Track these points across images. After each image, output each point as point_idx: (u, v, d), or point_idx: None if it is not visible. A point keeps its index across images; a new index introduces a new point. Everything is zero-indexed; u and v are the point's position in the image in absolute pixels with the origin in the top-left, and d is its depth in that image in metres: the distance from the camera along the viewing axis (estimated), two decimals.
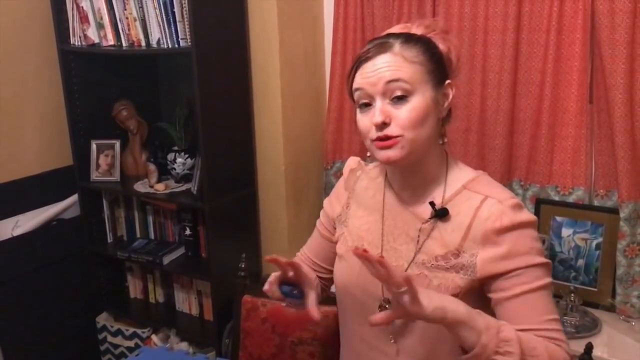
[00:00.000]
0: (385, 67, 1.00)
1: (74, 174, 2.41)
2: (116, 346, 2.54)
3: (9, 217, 2.23)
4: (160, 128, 2.37)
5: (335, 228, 1.26)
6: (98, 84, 2.43)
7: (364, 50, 1.04)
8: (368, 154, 1.08)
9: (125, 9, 2.13)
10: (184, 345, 2.34)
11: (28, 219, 2.29)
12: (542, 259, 1.01)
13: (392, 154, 1.01)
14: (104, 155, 2.43)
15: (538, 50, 1.87)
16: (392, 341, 1.10)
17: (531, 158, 1.96)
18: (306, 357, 1.56)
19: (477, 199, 1.04)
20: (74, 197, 2.44)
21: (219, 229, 2.16)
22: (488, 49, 1.95)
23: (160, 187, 2.29)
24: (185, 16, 2.00)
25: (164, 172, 2.36)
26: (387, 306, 1.08)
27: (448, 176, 1.09)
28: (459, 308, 0.90)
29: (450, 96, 1.06)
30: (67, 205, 2.42)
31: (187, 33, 2.01)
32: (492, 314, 1.00)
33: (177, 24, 2.03)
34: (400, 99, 1.00)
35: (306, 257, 1.34)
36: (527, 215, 1.02)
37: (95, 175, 2.43)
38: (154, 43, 2.10)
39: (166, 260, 2.31)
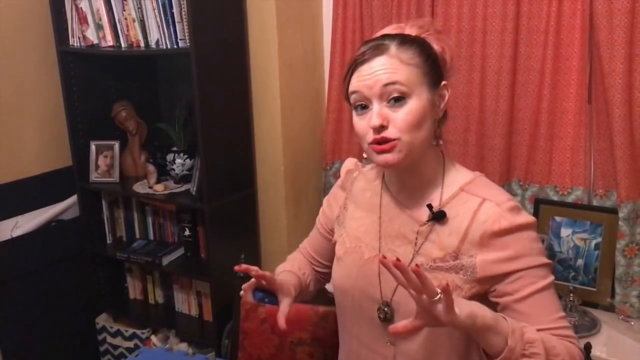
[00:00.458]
0: (382, 69, 1.00)
1: (73, 175, 2.41)
2: (116, 347, 2.54)
3: (9, 218, 2.23)
4: (159, 129, 2.37)
5: (332, 230, 1.26)
6: (97, 84, 2.43)
7: (360, 53, 1.03)
8: (365, 156, 1.08)
9: (124, 10, 2.13)
10: (183, 346, 2.34)
11: (27, 220, 2.29)
12: (544, 259, 1.01)
13: (389, 157, 1.01)
14: (103, 156, 2.44)
15: (537, 51, 1.87)
16: (388, 344, 1.10)
17: (530, 158, 1.96)
18: (305, 358, 1.56)
19: (475, 202, 1.04)
20: (73, 198, 2.44)
21: (218, 229, 2.16)
22: (487, 49, 1.95)
23: (159, 188, 2.29)
24: (184, 17, 2.00)
25: (163, 173, 2.36)
26: (385, 309, 1.08)
27: (445, 178, 1.09)
28: (485, 313, 0.90)
29: (446, 97, 1.06)
30: (66, 206, 2.42)
31: (186, 34, 2.01)
32: None
33: (176, 24, 2.03)
34: (398, 100, 1.00)
35: (306, 251, 1.35)
36: (526, 217, 1.02)
37: (94, 176, 2.43)
38: (152, 44, 2.10)
39: (165, 261, 2.31)
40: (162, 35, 2.06)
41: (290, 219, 2.30)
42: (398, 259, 0.84)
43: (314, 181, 2.41)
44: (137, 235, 2.54)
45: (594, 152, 1.88)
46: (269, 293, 1.09)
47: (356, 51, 1.06)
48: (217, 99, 2.09)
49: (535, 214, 1.93)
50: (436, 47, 1.06)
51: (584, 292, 1.89)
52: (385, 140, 1.00)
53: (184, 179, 2.32)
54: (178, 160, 2.28)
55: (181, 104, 2.32)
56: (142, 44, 2.13)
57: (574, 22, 1.79)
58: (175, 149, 2.31)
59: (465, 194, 1.06)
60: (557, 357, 0.93)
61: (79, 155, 2.40)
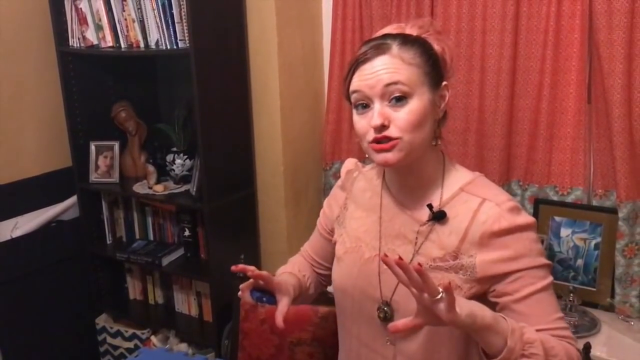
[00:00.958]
0: (384, 69, 1.00)
1: (73, 176, 2.41)
2: (116, 347, 2.54)
3: (9, 219, 2.23)
4: (159, 129, 2.37)
5: (333, 230, 1.26)
6: (97, 85, 2.43)
7: (362, 52, 1.03)
8: (366, 155, 1.07)
9: (124, 10, 2.13)
10: (183, 346, 2.34)
11: (27, 221, 2.29)
12: (544, 260, 1.01)
13: (389, 156, 1.01)
14: (103, 157, 2.44)
15: (536, 51, 1.87)
16: (388, 343, 1.10)
17: (530, 158, 1.96)
18: (305, 358, 1.56)
19: (474, 202, 1.04)
20: (73, 199, 2.44)
21: (218, 230, 2.17)
22: (486, 49, 1.95)
23: (159, 189, 2.29)
24: (183, 17, 2.01)
25: (163, 173, 2.37)
26: (385, 308, 1.09)
27: (445, 178, 1.09)
28: (485, 313, 0.91)
29: (447, 97, 1.06)
30: (66, 207, 2.42)
31: (186, 34, 2.01)
32: None
33: (176, 25, 2.03)
34: (399, 100, 1.00)
35: (307, 253, 1.35)
36: (525, 217, 1.02)
37: (94, 177, 2.43)
38: (152, 44, 2.10)
39: (165, 261, 2.31)
40: (162, 36, 2.07)
41: (290, 219, 2.31)
42: (400, 257, 0.84)
43: (314, 181, 2.41)
44: (137, 236, 2.54)
45: (594, 152, 1.88)
46: (267, 293, 1.09)
47: (356, 51, 1.06)
48: (217, 100, 2.09)
49: (535, 214, 1.93)
50: (437, 47, 1.06)
51: (584, 292, 1.89)
52: (387, 139, 1.00)
53: (184, 179, 2.32)
54: (178, 161, 2.29)
55: (181, 104, 2.32)
56: (141, 45, 2.13)
57: (573, 22, 1.79)
58: (175, 149, 2.31)
59: (465, 194, 1.06)
60: (555, 357, 0.93)
61: (79, 155, 2.40)
